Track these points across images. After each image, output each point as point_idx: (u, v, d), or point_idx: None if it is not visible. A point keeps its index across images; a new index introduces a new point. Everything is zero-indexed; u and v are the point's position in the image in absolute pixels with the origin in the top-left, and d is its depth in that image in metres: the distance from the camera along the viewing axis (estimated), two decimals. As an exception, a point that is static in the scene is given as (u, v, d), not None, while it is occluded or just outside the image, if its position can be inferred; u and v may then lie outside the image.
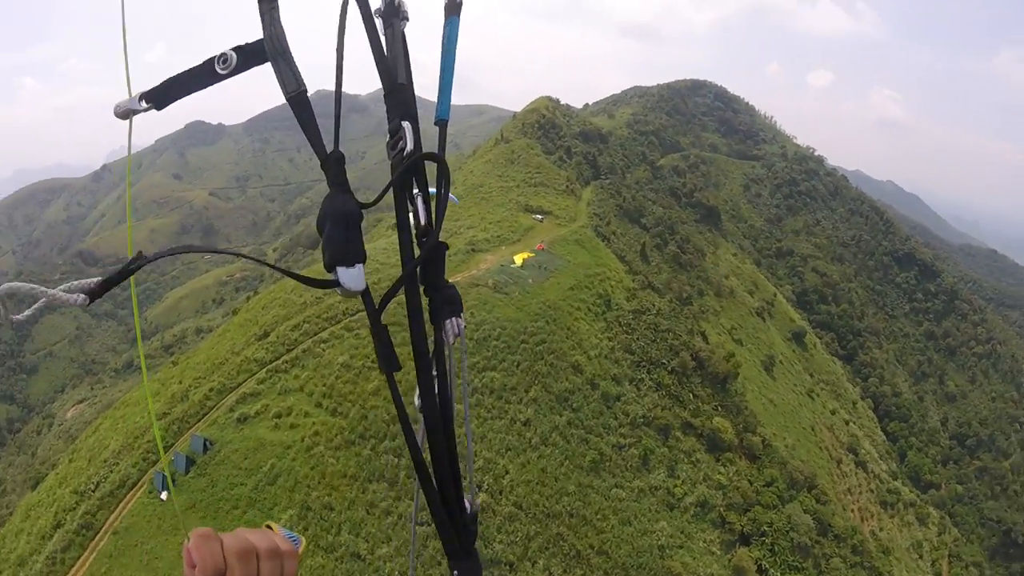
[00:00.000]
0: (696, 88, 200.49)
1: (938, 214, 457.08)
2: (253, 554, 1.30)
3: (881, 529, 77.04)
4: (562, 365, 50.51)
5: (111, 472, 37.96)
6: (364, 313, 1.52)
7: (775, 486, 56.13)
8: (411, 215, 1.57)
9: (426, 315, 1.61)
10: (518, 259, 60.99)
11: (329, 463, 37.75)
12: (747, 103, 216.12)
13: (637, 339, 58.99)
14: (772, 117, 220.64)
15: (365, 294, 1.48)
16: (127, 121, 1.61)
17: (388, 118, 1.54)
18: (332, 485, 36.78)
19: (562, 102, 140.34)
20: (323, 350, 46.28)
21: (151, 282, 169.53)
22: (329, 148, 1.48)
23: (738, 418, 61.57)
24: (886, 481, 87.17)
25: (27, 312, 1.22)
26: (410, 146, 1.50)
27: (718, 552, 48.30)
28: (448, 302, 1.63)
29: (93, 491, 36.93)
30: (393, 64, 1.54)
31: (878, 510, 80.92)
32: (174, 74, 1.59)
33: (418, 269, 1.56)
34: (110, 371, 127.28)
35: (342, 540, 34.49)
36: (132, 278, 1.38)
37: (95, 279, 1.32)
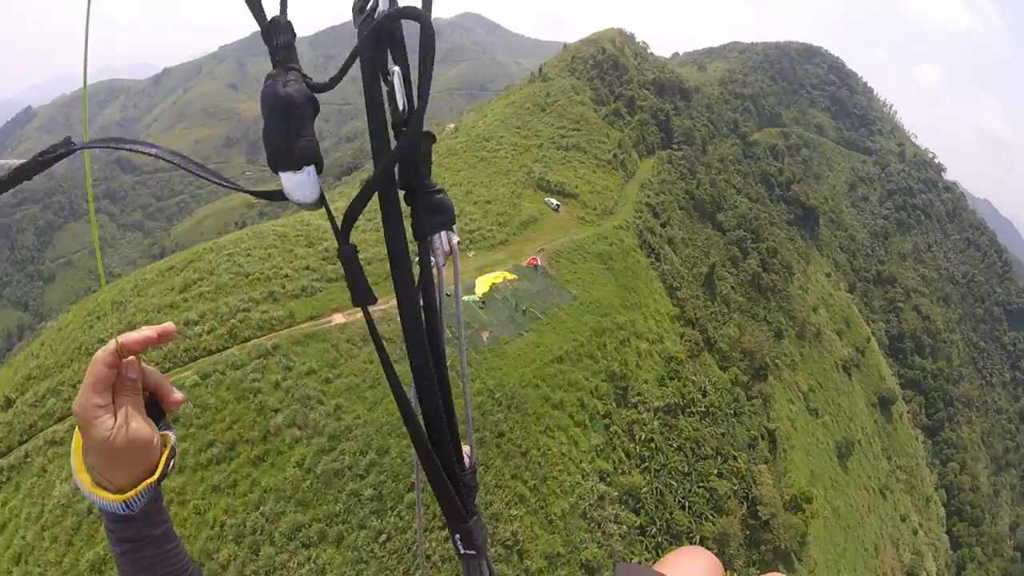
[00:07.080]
0: (808, 54, 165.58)
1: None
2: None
3: None
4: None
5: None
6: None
7: None
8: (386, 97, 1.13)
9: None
10: (482, 285, 34.90)
11: None
12: (865, 84, 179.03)
13: (655, 472, 32.78)
14: (892, 107, 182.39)
15: (324, 205, 1.14)
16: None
17: None
18: None
19: (638, 40, 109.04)
20: (49, 460, 24.52)
21: (187, 195, 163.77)
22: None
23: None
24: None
25: None
26: (382, 6, 1.12)
27: None
28: (436, 210, 1.22)
29: None
30: None
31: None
32: None
33: (395, 168, 1.14)
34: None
35: None
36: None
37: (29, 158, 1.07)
